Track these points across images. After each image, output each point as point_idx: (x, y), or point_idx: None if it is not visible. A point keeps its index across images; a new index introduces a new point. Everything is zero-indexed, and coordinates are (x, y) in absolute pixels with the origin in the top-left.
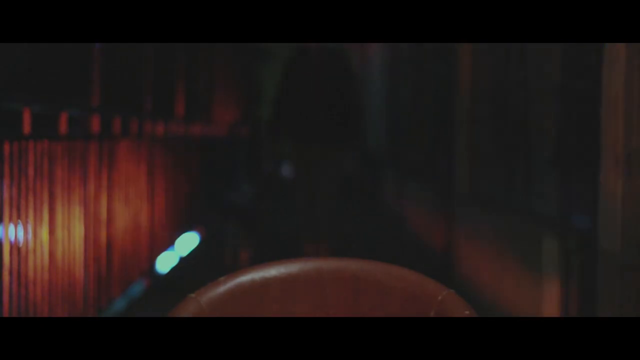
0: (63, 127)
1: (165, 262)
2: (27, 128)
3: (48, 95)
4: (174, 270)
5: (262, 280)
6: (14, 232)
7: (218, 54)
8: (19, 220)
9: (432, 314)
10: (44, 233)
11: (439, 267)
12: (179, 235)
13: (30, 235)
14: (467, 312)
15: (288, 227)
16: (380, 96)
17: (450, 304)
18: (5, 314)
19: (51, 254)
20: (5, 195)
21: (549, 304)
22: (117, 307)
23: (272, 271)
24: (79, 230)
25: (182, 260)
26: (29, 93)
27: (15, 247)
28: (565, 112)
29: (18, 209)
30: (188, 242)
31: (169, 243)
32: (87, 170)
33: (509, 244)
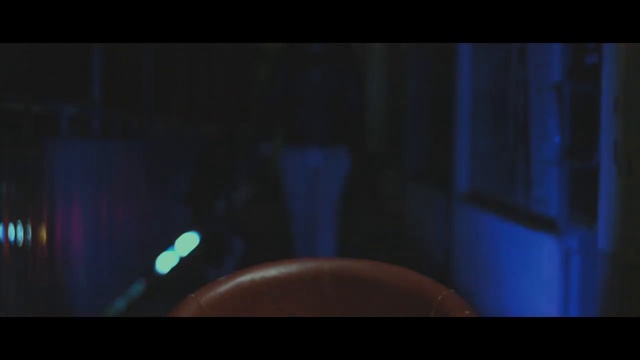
0: (63, 127)
1: (165, 262)
2: (27, 128)
3: (48, 95)
4: (174, 270)
5: (262, 280)
6: (14, 232)
7: (218, 54)
8: (19, 220)
9: (432, 314)
10: (44, 233)
11: (438, 267)
12: (179, 235)
13: (30, 235)
14: (467, 312)
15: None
16: (380, 96)
17: (450, 304)
18: (5, 314)
19: (51, 254)
20: (6, 195)
21: (549, 304)
22: (117, 307)
23: (272, 271)
24: (78, 230)
25: (182, 260)
26: (29, 93)
27: (15, 247)
28: (565, 112)
29: (18, 209)
30: (188, 242)
31: (168, 243)
32: (87, 170)
33: (509, 244)
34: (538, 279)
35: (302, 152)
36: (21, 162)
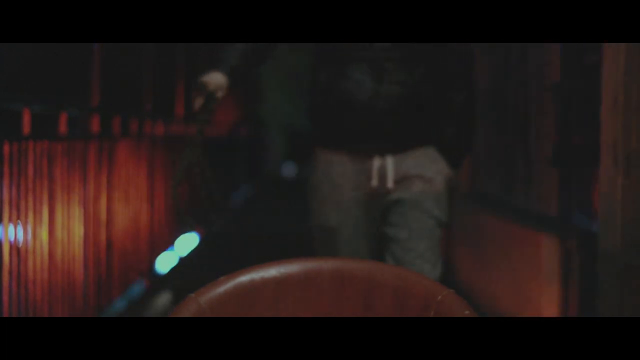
0: (63, 127)
1: (165, 262)
2: (27, 128)
3: (48, 95)
4: (174, 270)
5: (262, 280)
6: (13, 232)
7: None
8: (19, 220)
9: (431, 314)
10: (44, 233)
11: None
12: (179, 235)
13: (30, 236)
14: (466, 312)
15: None
16: None
17: (450, 304)
18: (5, 314)
19: (51, 254)
20: (5, 195)
21: (549, 304)
22: (117, 307)
23: (271, 271)
24: (78, 230)
25: (182, 260)
26: (29, 93)
27: (15, 247)
28: (565, 112)
29: (18, 209)
30: (188, 242)
31: (169, 243)
32: (87, 170)
33: (508, 244)
34: (538, 279)
35: (355, 160)
36: (21, 162)
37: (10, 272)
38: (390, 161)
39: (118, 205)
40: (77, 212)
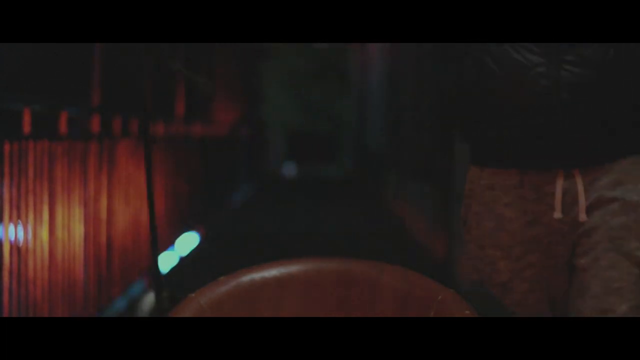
0: (63, 127)
1: (165, 262)
2: (27, 128)
3: (48, 95)
4: (174, 270)
5: (262, 280)
6: (14, 232)
7: (218, 54)
8: (19, 220)
9: (432, 314)
10: (44, 233)
11: (438, 267)
12: (179, 235)
13: (30, 235)
14: (467, 312)
15: None
16: (380, 96)
17: (450, 304)
18: (5, 314)
19: (51, 254)
20: (6, 195)
21: None
22: (117, 307)
23: (272, 271)
24: (79, 230)
25: (182, 260)
26: (29, 93)
27: (15, 247)
28: None
29: (18, 209)
30: (188, 242)
31: (169, 243)
32: (87, 170)
33: None
34: None
35: (530, 182)
36: (21, 162)
37: (10, 272)
38: (580, 181)
39: (118, 205)
40: (77, 212)
